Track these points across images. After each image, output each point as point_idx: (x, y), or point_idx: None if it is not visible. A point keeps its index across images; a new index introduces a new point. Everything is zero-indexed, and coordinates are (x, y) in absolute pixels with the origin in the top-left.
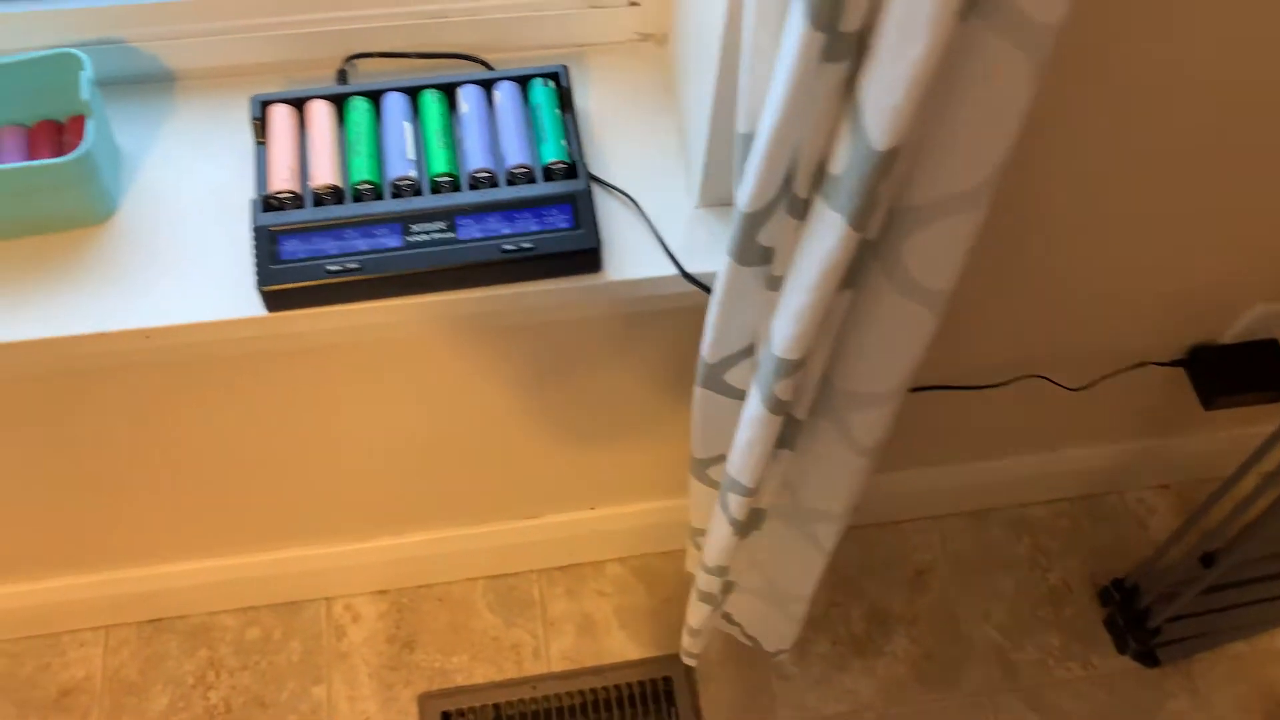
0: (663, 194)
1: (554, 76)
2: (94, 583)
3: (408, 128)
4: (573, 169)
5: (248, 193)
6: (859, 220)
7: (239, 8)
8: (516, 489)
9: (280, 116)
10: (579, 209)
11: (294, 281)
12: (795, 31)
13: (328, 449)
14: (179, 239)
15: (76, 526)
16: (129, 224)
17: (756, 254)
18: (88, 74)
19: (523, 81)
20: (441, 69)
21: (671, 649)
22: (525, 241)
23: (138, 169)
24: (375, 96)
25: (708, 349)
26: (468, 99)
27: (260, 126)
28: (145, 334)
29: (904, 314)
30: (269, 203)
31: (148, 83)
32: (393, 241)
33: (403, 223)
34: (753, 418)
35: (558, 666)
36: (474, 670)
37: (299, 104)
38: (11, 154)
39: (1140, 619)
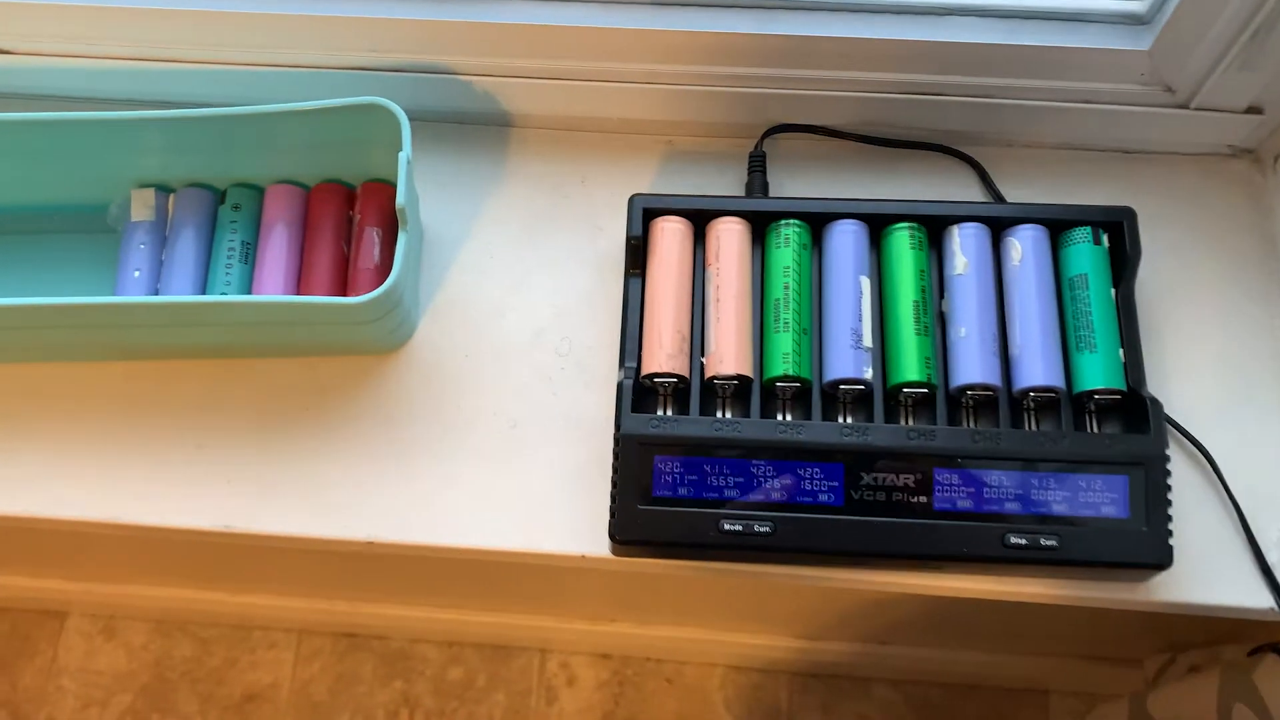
0: (1259, 453)
1: (1111, 228)
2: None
3: (866, 289)
4: (1133, 408)
5: (603, 352)
6: None
7: (622, 46)
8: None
9: (671, 239)
10: (1142, 485)
11: (668, 538)
12: None
13: None
14: (485, 398)
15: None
16: (422, 360)
17: None
18: (405, 151)
19: (1057, 228)
20: (898, 167)
21: None
22: (1046, 534)
23: (448, 268)
24: (817, 221)
25: None
26: (967, 249)
27: (639, 251)
28: (427, 549)
29: None
30: (643, 389)
31: (471, 125)
32: (827, 495)
33: (849, 466)
34: None
35: None
36: None
37: (699, 219)
38: (278, 233)
39: None
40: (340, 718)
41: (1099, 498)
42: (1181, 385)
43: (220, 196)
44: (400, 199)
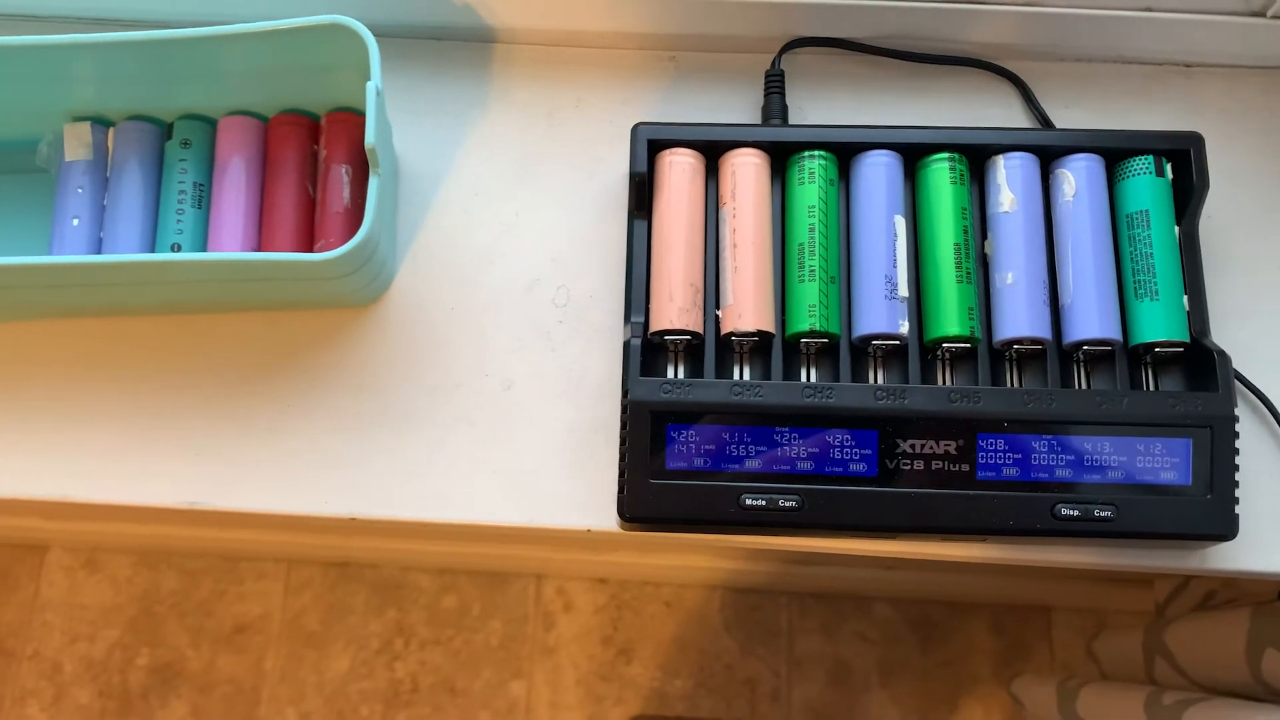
0: None
1: (1175, 156)
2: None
3: (901, 231)
4: (1197, 361)
5: (605, 303)
6: None
7: None
8: None
9: (680, 175)
10: (1207, 449)
11: (683, 515)
12: None
13: None
14: (475, 356)
15: None
16: (401, 314)
17: None
18: (374, 80)
19: (1113, 157)
20: (929, 86)
21: None
22: (1101, 505)
23: (427, 208)
24: (844, 153)
25: None
26: (1014, 183)
27: (644, 188)
28: (422, 525)
29: None
30: (651, 346)
31: (451, 42)
32: (859, 465)
33: (883, 433)
34: None
35: (799, 717)
36: (699, 700)
37: (711, 151)
38: (234, 172)
39: None
40: (334, 647)
41: (1159, 463)
42: (1246, 332)
43: (167, 131)
44: (370, 137)
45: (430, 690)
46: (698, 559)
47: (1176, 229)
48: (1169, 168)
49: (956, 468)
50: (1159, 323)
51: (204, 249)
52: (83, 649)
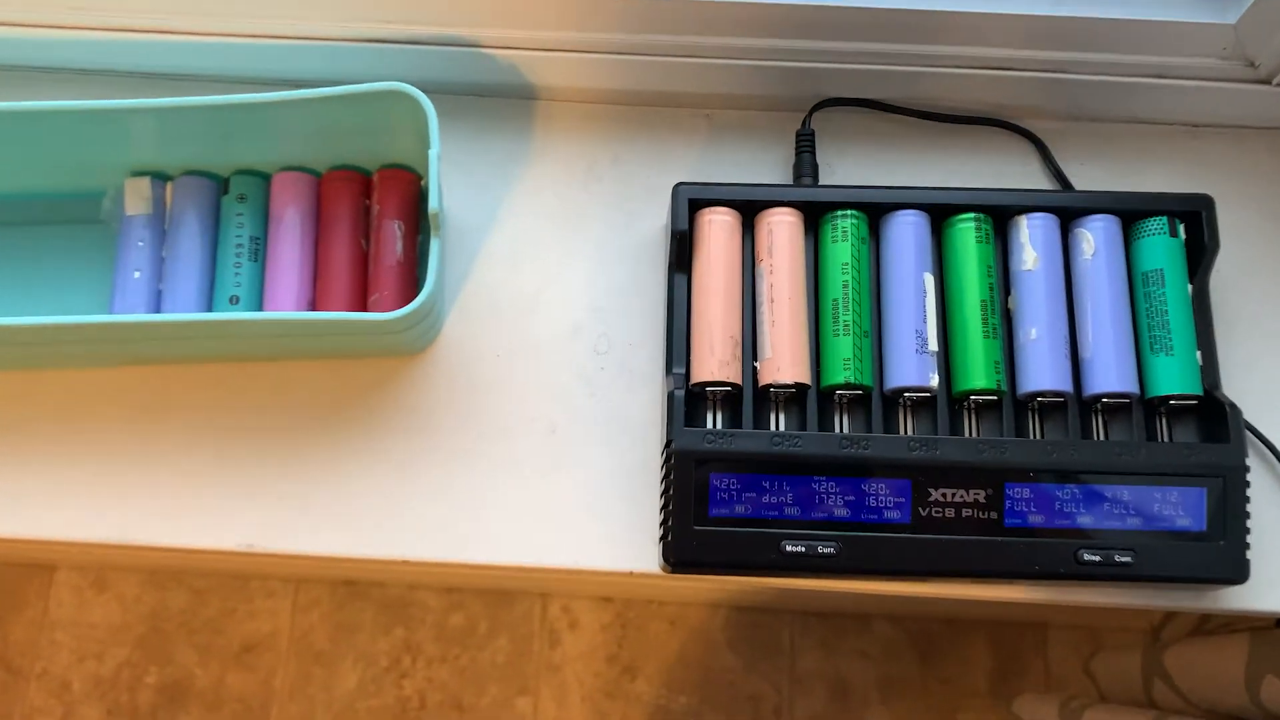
0: None
1: (1188, 218)
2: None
3: (929, 287)
4: (1209, 413)
5: (643, 350)
6: None
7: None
8: None
9: (719, 233)
10: (1220, 497)
11: (726, 559)
12: None
13: None
14: (520, 401)
15: None
16: (450, 361)
17: None
18: (434, 147)
19: (1130, 218)
20: (951, 144)
21: None
22: (1120, 550)
23: (473, 259)
24: (875, 212)
25: None
26: (1035, 241)
27: (684, 244)
28: (470, 566)
29: None
30: (691, 396)
31: (495, 99)
32: (894, 513)
33: (916, 482)
34: None
35: None
36: (702, 716)
37: (748, 209)
38: (289, 226)
39: None
40: (342, 665)
41: (1174, 510)
42: (1254, 382)
43: (223, 185)
44: (433, 203)
45: (437, 707)
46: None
47: (1189, 286)
48: (1182, 228)
49: (985, 515)
50: (1174, 377)
51: (260, 301)
52: (91, 667)
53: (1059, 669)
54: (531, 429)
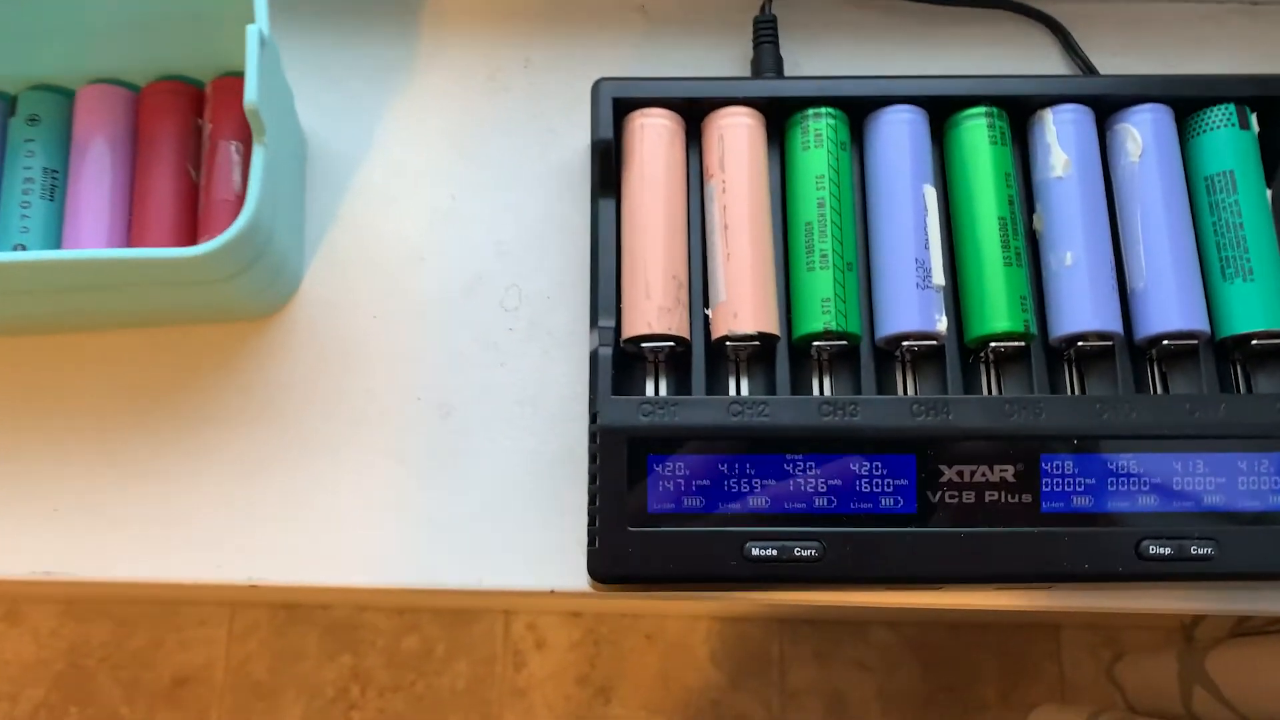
0: None
1: (1265, 105)
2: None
3: (931, 203)
4: None
5: (566, 305)
6: None
7: None
8: None
9: (655, 141)
10: None
11: (671, 570)
12: None
13: None
14: (404, 376)
15: None
16: (310, 326)
17: None
18: (259, 22)
19: (1185, 109)
20: (946, 35)
21: None
22: (1198, 540)
23: (342, 195)
24: (857, 111)
25: None
26: (1066, 140)
27: (609, 159)
28: (339, 590)
29: None
30: (625, 358)
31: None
32: (893, 499)
33: (922, 457)
34: None
35: None
36: None
37: (693, 111)
38: (95, 154)
39: None
40: (284, 697)
41: (1267, 484)
42: None
43: (9, 105)
44: (250, 94)
45: None
46: None
47: (1268, 191)
48: (1254, 118)
49: (1016, 499)
50: (1254, 308)
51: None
52: (4, 710)
53: (1075, 676)
54: (418, 412)
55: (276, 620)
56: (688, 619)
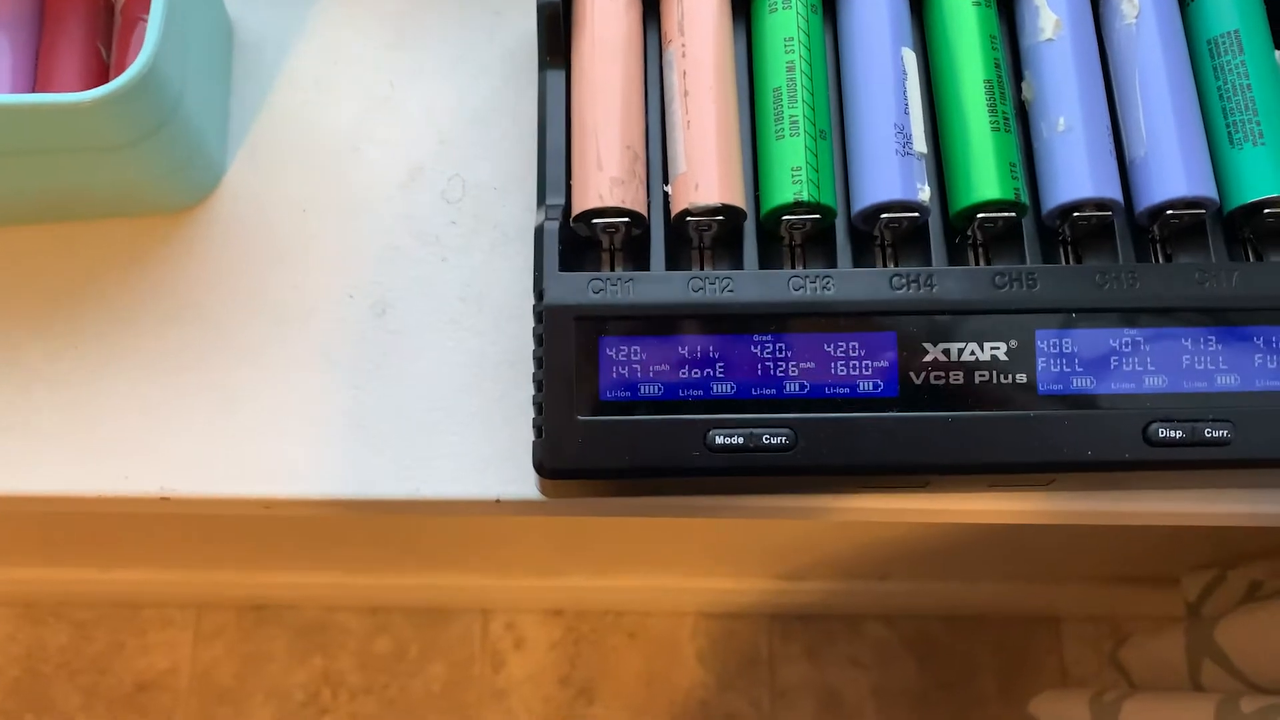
0: None
1: None
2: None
3: (911, 67)
4: None
5: (514, 195)
6: None
7: None
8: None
9: (606, 5)
10: None
11: (625, 463)
12: None
13: None
14: (335, 273)
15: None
16: (235, 219)
17: None
18: None
19: None
20: None
21: None
22: (1211, 422)
23: (272, 82)
24: None
25: None
26: (1056, 1)
27: (557, 24)
28: (262, 503)
29: None
30: (574, 235)
31: None
32: (873, 382)
33: (904, 335)
34: None
35: None
36: None
37: None
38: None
39: None
40: (252, 702)
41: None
42: None
43: None
44: None
45: None
46: (664, 580)
47: (1278, 53)
48: None
49: (1009, 379)
50: (1265, 175)
51: None
52: None
53: (1078, 668)
54: (351, 310)
55: (244, 622)
56: (672, 615)
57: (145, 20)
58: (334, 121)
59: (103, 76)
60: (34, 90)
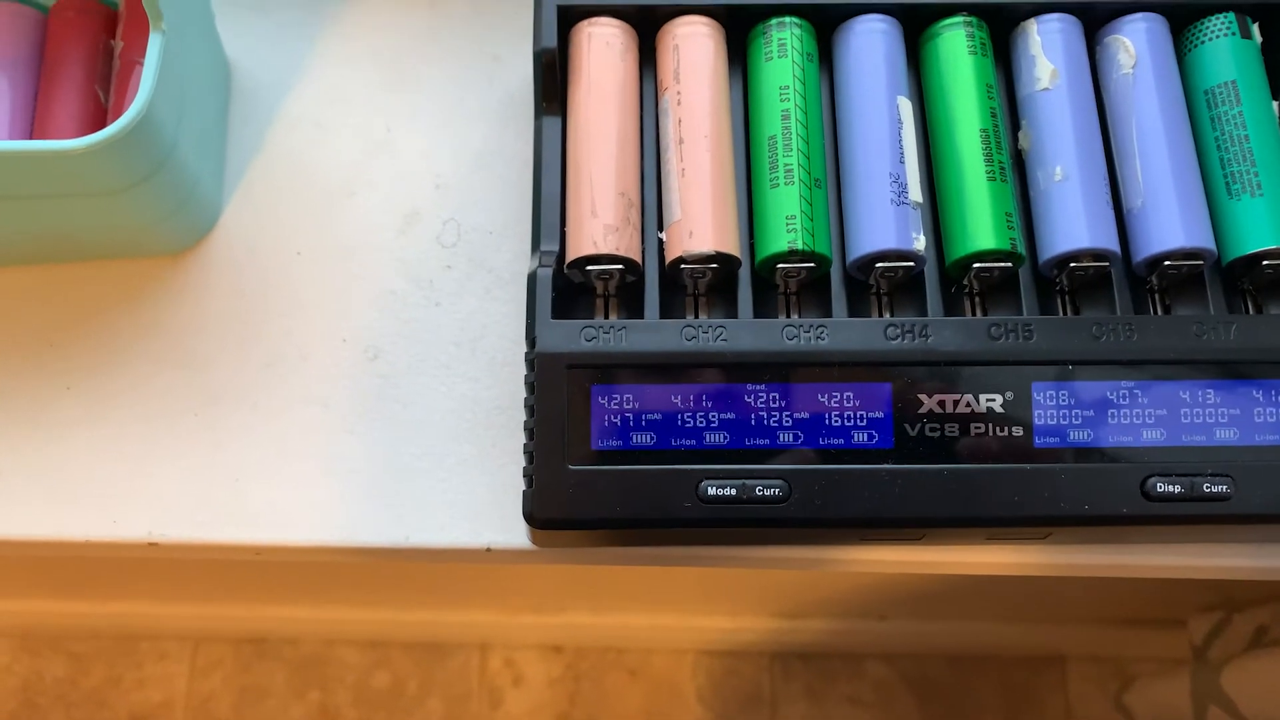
0: None
1: (1264, 13)
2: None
3: (907, 116)
4: None
5: (509, 241)
6: None
7: None
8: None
9: (603, 53)
10: None
11: (617, 512)
12: None
13: None
14: (330, 317)
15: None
16: (229, 262)
17: None
18: None
19: (1179, 19)
20: None
21: None
22: (1211, 477)
23: (269, 125)
24: (824, 23)
25: None
26: (1053, 50)
27: (554, 71)
28: (252, 550)
29: None
30: (568, 281)
31: None
32: (868, 433)
33: (900, 385)
34: None
35: None
36: None
37: (646, 21)
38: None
39: None
40: None
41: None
42: None
43: None
44: None
45: None
46: (665, 618)
47: (1275, 104)
48: (1256, 28)
49: (1005, 431)
50: (1263, 226)
51: None
52: None
53: (1083, 709)
54: (343, 355)
55: (241, 656)
56: (673, 653)
57: (142, 64)
58: (330, 164)
59: (101, 119)
60: (32, 132)
